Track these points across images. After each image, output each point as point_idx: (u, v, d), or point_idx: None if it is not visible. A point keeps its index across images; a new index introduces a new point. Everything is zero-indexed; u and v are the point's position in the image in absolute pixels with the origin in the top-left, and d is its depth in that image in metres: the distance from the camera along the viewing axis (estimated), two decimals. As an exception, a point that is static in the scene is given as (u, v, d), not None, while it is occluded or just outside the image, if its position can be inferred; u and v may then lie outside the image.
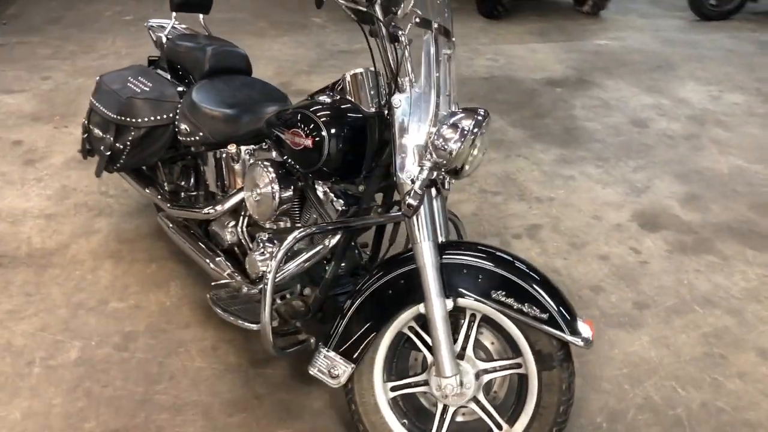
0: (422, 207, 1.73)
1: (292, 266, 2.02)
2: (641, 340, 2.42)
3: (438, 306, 1.70)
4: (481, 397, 1.81)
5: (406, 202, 1.65)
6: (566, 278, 2.74)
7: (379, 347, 1.83)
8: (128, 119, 2.45)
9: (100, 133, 2.57)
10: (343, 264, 2.09)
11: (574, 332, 1.68)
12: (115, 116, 2.48)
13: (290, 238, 1.84)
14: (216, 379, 2.22)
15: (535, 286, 1.71)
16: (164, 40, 2.69)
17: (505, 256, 1.79)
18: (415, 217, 1.72)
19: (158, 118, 2.43)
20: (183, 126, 2.34)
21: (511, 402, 1.84)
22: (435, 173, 1.71)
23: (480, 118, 1.76)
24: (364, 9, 1.72)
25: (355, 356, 1.81)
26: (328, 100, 1.92)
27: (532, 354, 1.74)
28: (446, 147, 1.65)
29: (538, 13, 6.65)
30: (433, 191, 1.80)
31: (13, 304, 2.52)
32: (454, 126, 1.68)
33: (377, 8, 1.74)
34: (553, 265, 2.82)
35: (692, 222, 3.16)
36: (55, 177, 3.40)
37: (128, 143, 2.47)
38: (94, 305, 2.52)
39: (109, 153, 2.53)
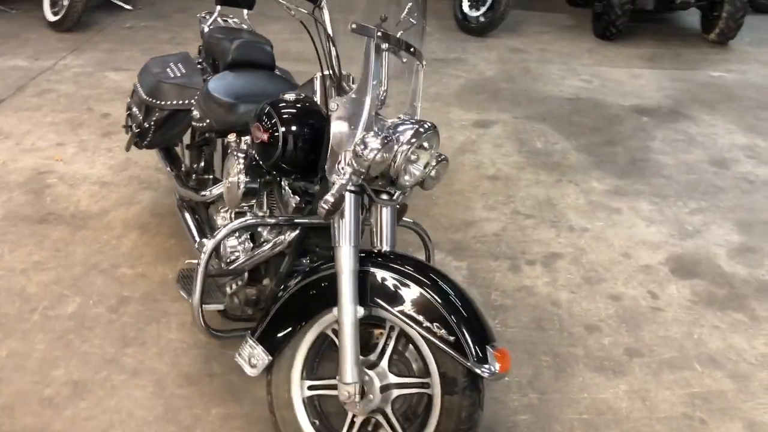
0: (347, 212, 1.74)
1: (254, 254, 2.10)
2: (617, 389, 2.26)
3: (347, 311, 1.71)
4: (389, 411, 1.79)
5: (320, 205, 1.67)
6: (564, 312, 2.60)
7: (300, 345, 1.86)
8: (155, 101, 2.64)
9: (136, 111, 2.78)
10: (306, 260, 2.14)
11: (480, 361, 1.63)
12: (146, 97, 2.68)
13: (232, 224, 1.92)
14: (182, 351, 2.34)
15: (451, 309, 1.67)
16: (205, 30, 2.86)
17: (434, 276, 1.76)
18: (338, 221, 1.74)
19: (179, 102, 2.59)
20: (195, 112, 2.48)
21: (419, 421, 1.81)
22: (356, 179, 1.71)
23: (420, 130, 1.75)
24: (306, 12, 1.75)
25: (273, 349, 1.85)
26: (293, 99, 1.98)
27: (438, 376, 1.70)
28: (363, 154, 1.65)
29: (658, 38, 6.28)
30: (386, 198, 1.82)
31: (41, 257, 2.79)
32: (379, 135, 1.68)
33: (324, 11, 1.77)
34: (556, 296, 2.69)
35: (734, 275, 2.88)
36: (124, 150, 3.70)
37: (153, 123, 2.66)
38: (107, 268, 2.74)
39: (138, 130, 2.74)
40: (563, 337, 2.48)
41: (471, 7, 6.14)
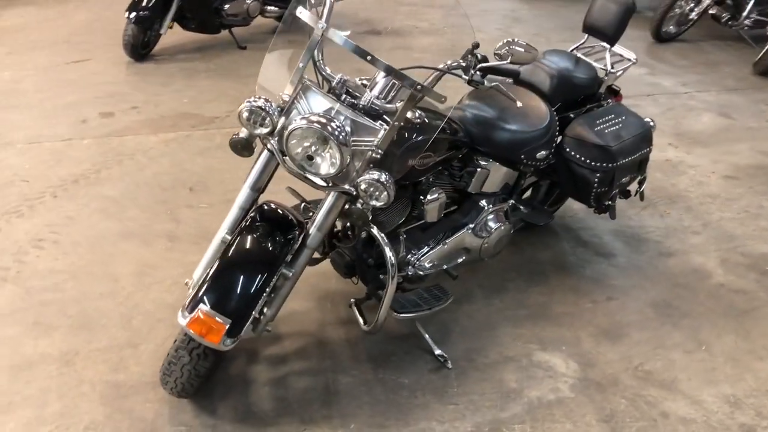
0: (258, 162, 2.05)
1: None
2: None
3: (221, 230, 2.10)
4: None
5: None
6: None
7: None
8: None
9: None
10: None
11: (186, 308, 1.88)
12: None
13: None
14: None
15: (220, 269, 1.92)
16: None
17: (259, 255, 1.95)
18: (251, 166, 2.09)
19: None
20: None
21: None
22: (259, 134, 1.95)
23: (306, 119, 1.81)
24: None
25: None
26: None
27: None
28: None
29: None
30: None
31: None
32: (264, 100, 1.87)
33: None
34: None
35: None
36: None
37: None
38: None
39: None
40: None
41: None
